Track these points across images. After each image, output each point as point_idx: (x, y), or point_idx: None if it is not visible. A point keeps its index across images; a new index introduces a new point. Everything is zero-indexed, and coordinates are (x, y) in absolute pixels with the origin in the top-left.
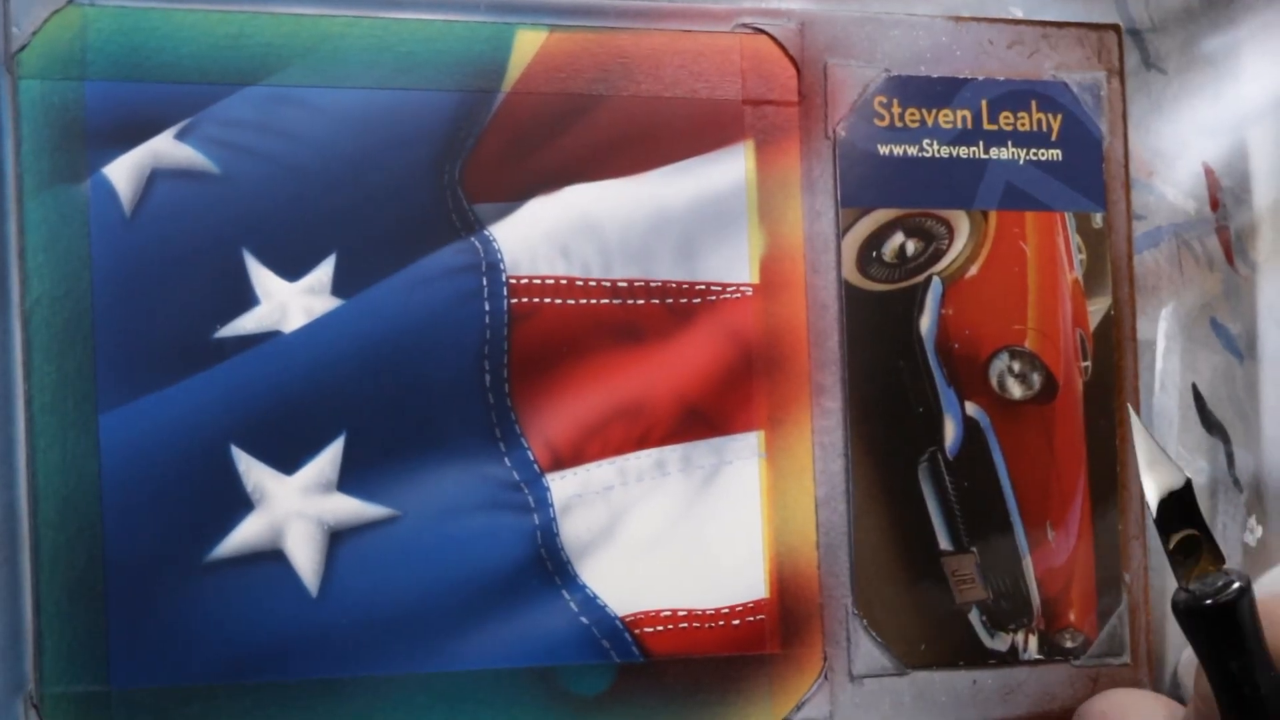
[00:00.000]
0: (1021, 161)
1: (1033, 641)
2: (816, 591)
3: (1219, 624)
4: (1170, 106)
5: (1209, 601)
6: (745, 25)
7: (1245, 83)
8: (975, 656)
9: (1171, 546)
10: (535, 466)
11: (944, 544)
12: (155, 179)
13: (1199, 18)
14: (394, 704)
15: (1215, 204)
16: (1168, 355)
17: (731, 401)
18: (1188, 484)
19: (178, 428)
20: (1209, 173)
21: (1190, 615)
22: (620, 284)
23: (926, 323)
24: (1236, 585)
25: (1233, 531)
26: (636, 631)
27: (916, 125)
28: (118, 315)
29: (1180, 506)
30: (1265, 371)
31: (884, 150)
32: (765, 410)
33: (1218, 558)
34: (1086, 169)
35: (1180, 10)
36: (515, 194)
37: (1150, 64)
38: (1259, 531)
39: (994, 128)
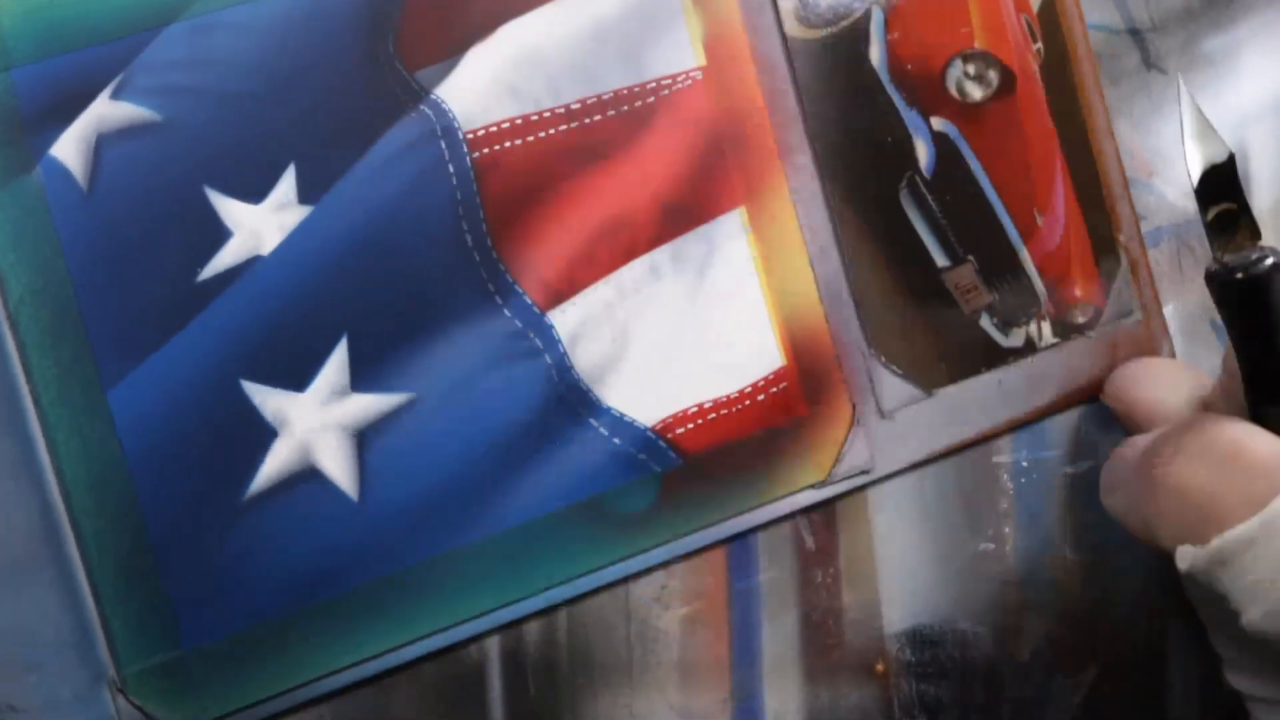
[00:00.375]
0: None
1: (1046, 328)
2: (830, 345)
3: (1250, 296)
4: (1170, 106)
5: (1240, 274)
6: None
7: (1245, 83)
8: (995, 358)
9: (1210, 219)
10: (534, 309)
11: (940, 261)
12: (102, 145)
13: (1199, 17)
14: (456, 578)
15: None
16: (1168, 356)
17: (706, 187)
18: (1231, 158)
19: (185, 381)
20: None
21: (1223, 286)
22: (574, 106)
23: (876, 53)
24: (1270, 260)
25: None
26: (669, 436)
27: None
28: (100, 291)
29: (1221, 180)
30: None
31: None
32: (741, 185)
33: (1255, 233)
34: None
35: (1180, 10)
36: (452, 51)
37: (1150, 64)
38: None
39: None
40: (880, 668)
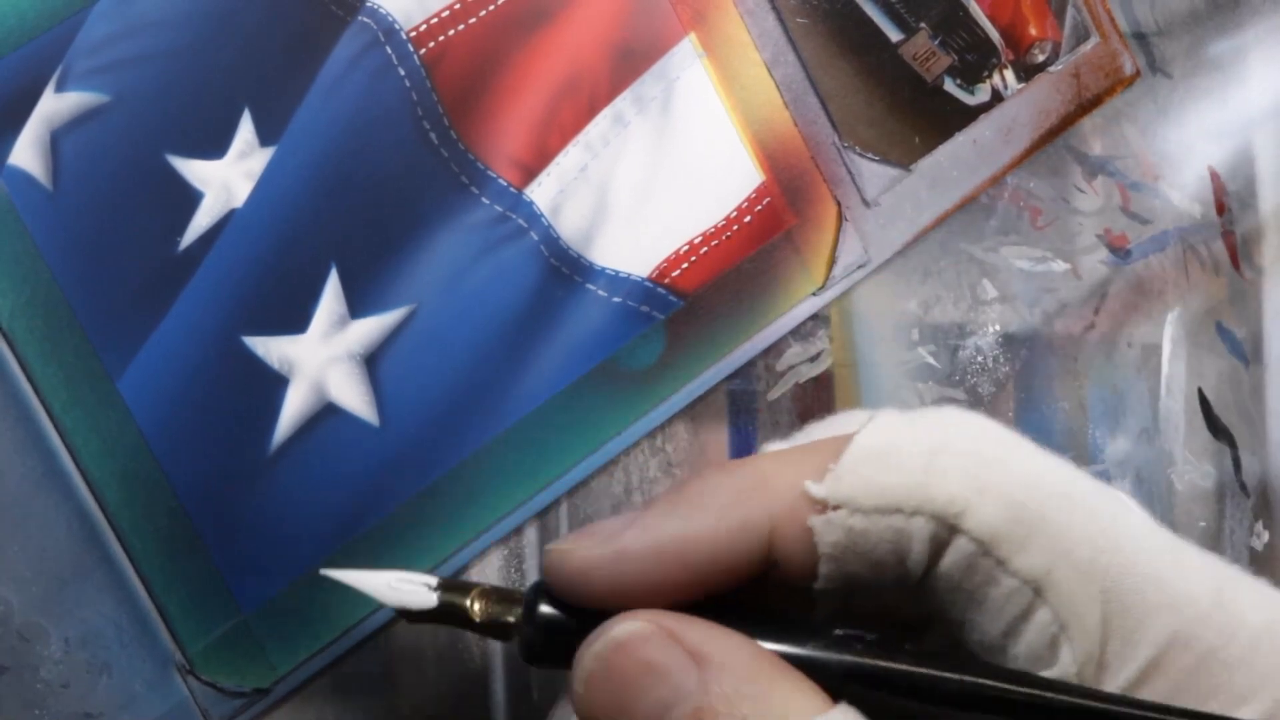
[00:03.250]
0: None
1: (1009, 76)
2: (804, 147)
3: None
4: (1176, 111)
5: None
6: None
7: (1251, 87)
8: (965, 119)
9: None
10: (511, 189)
11: (894, 36)
12: (57, 140)
13: (1205, 21)
14: (489, 475)
15: (1221, 208)
16: (1173, 360)
17: (652, 22)
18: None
19: (189, 352)
20: (1214, 177)
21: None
22: None
23: None
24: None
25: (1240, 536)
26: (666, 281)
27: None
28: (88, 285)
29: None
30: (1271, 376)
31: None
32: (685, 12)
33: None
34: None
35: (1186, 14)
36: None
37: (1156, 68)
38: (1266, 536)
39: None
40: None
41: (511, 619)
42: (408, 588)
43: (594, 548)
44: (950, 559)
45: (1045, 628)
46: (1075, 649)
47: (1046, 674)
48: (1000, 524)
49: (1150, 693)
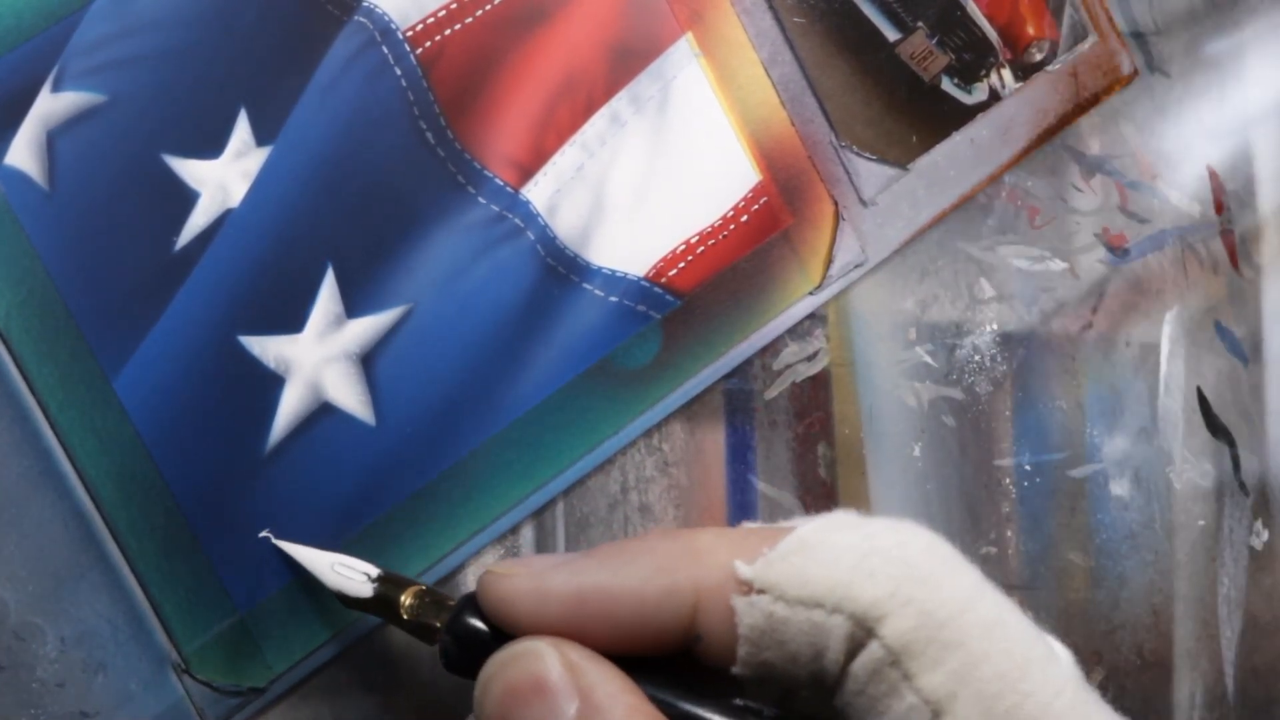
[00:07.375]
0: None
1: (1006, 75)
2: (801, 147)
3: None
4: (1174, 110)
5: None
6: None
7: (1249, 86)
8: (963, 118)
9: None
10: (508, 189)
11: (891, 35)
12: (54, 140)
13: (1203, 20)
14: (486, 474)
15: (1220, 207)
16: (1172, 359)
17: (649, 22)
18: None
19: (185, 351)
20: (1213, 176)
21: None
22: None
23: None
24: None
25: (1239, 535)
26: (663, 281)
27: None
28: (84, 285)
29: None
30: (1270, 375)
31: None
32: (682, 11)
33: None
34: None
35: (1184, 13)
36: None
37: (1154, 67)
38: (1265, 535)
39: None
40: None
41: (438, 624)
42: (348, 573)
43: (523, 579)
44: (860, 662)
45: None
46: None
47: None
48: (915, 638)
49: None
